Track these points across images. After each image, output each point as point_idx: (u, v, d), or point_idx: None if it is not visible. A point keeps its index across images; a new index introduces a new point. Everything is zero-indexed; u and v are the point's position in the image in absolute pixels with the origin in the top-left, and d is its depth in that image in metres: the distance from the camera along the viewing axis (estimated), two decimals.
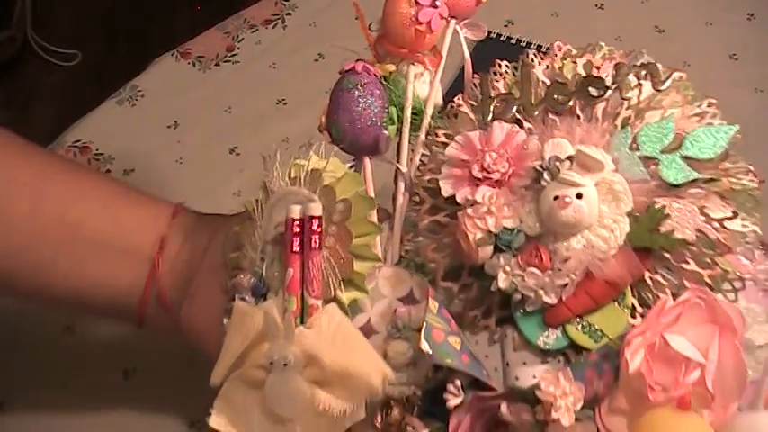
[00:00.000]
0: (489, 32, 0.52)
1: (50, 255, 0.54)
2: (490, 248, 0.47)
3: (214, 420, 0.47)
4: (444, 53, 0.53)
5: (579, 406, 0.44)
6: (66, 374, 0.72)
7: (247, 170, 0.83)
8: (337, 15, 0.95)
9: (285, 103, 0.89)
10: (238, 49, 0.93)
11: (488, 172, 0.48)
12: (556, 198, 0.46)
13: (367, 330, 0.49)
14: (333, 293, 0.48)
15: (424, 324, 0.46)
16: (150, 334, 0.69)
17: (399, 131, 0.52)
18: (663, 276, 0.47)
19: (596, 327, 0.47)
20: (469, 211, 0.47)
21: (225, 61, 0.92)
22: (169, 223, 0.56)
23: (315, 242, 0.47)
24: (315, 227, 0.47)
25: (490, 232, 0.47)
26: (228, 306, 0.51)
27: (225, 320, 0.52)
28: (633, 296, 0.47)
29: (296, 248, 0.47)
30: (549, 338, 0.47)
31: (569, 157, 0.47)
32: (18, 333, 0.75)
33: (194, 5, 1.05)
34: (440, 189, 0.49)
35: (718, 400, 0.44)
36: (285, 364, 0.45)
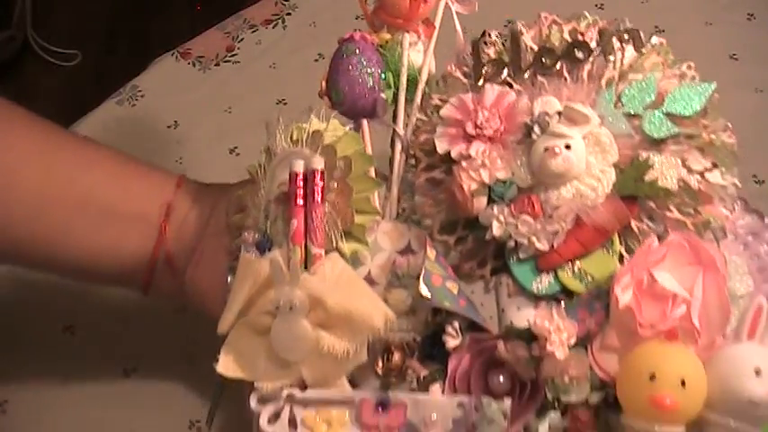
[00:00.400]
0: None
1: (62, 221, 0.56)
2: (484, 199, 0.50)
3: (222, 366, 0.49)
4: (437, 24, 0.56)
5: (573, 341, 0.46)
6: (66, 374, 0.73)
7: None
8: (337, 15, 0.95)
9: (285, 103, 0.89)
10: (238, 49, 0.93)
11: (481, 129, 0.50)
12: (546, 150, 0.49)
13: (367, 282, 0.51)
14: (335, 245, 0.50)
15: (423, 269, 0.49)
16: (150, 335, 0.72)
17: (395, 96, 0.54)
18: (648, 225, 0.50)
19: (586, 271, 0.49)
20: (464, 164, 0.50)
21: (225, 61, 0.92)
22: (174, 191, 0.58)
23: (318, 195, 0.49)
24: (317, 180, 0.49)
25: (484, 184, 0.49)
26: (233, 265, 0.53)
27: (229, 278, 0.54)
28: (620, 243, 0.50)
29: (299, 201, 0.50)
30: (542, 284, 0.49)
31: (558, 113, 0.50)
32: (18, 333, 0.75)
33: (194, 5, 1.04)
34: (435, 148, 0.52)
35: (704, 334, 0.47)
36: (290, 308, 0.47)
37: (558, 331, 0.46)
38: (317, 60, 0.92)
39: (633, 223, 0.50)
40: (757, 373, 0.45)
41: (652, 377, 0.44)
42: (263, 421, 0.47)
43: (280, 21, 0.96)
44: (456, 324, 0.48)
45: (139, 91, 0.93)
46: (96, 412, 0.71)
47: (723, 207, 0.51)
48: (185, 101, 0.92)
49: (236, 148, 0.87)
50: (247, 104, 0.91)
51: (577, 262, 0.49)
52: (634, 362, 0.45)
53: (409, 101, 0.54)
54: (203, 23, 0.94)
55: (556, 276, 0.49)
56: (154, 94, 0.93)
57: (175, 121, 0.90)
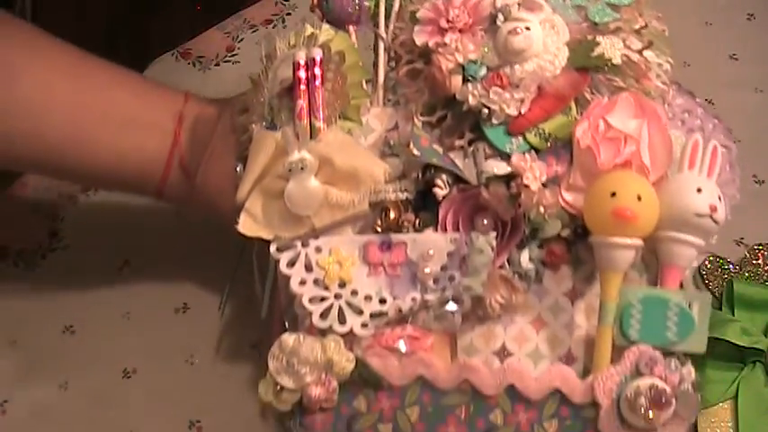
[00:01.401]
0: None
1: (89, 129, 0.64)
2: (460, 78, 0.58)
3: (242, 226, 0.56)
4: None
5: (544, 178, 0.54)
6: (67, 374, 0.74)
7: None
8: None
9: None
10: (238, 49, 0.92)
11: (453, 23, 0.59)
12: (509, 32, 0.58)
13: None
14: (334, 122, 0.58)
15: (412, 134, 0.57)
16: (150, 335, 0.74)
17: (377, 4, 0.63)
18: (597, 95, 0.59)
19: (549, 133, 0.57)
20: (440, 50, 0.58)
21: (225, 61, 0.91)
22: (184, 103, 0.65)
23: (318, 79, 0.57)
24: (317, 66, 0.57)
25: (459, 64, 0.58)
26: (241, 160, 0.61)
27: (238, 168, 0.61)
28: (577, 109, 0.58)
29: (302, 86, 0.57)
30: (513, 145, 0.57)
31: (517, 3, 0.59)
32: (18, 333, 0.77)
33: (194, 5, 1.03)
34: (414, 45, 0.60)
35: (653, 170, 0.55)
36: (302, 168, 0.55)
37: (532, 169, 0.54)
38: None
39: (586, 92, 0.58)
40: (699, 191, 0.53)
41: (613, 194, 0.52)
42: (282, 266, 0.54)
43: (280, 21, 0.95)
44: (444, 177, 0.56)
45: None
46: (96, 412, 0.72)
47: (660, 82, 0.61)
48: None
49: None
50: None
51: (542, 125, 0.57)
52: (597, 186, 0.53)
53: (389, 9, 0.63)
54: (203, 23, 0.93)
55: (524, 138, 0.57)
56: None
57: None
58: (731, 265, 0.70)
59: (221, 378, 0.71)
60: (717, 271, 0.70)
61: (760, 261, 0.71)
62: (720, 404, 0.64)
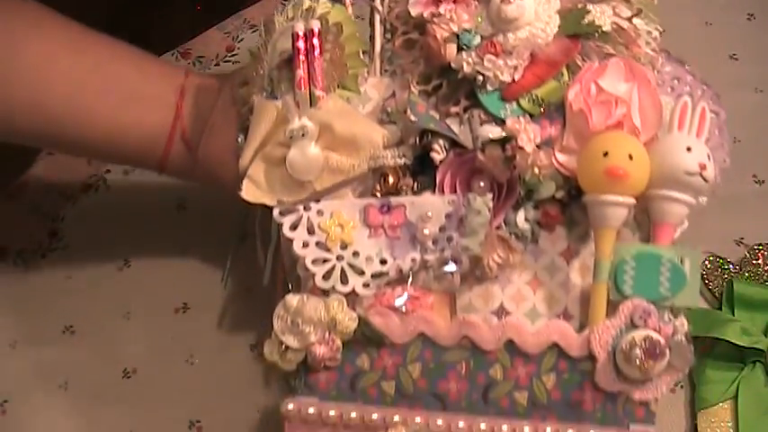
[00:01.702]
0: None
1: (91, 102, 0.65)
2: (455, 47, 0.59)
3: (245, 193, 0.57)
4: None
5: (538, 140, 0.56)
6: (67, 374, 0.74)
7: None
8: None
9: None
10: (238, 49, 0.91)
11: None
12: (502, 0, 0.59)
13: None
14: (333, 91, 0.59)
15: (409, 101, 0.58)
16: (150, 335, 0.74)
17: None
18: (589, 60, 0.60)
19: (542, 98, 0.59)
20: (435, 20, 0.60)
21: (225, 61, 0.91)
22: (185, 77, 0.67)
23: (317, 49, 0.59)
24: (316, 36, 0.59)
25: (453, 33, 0.59)
26: (242, 131, 0.62)
27: (240, 138, 0.62)
28: (568, 75, 0.60)
29: (301, 56, 0.59)
30: (508, 110, 0.59)
31: None
32: (18, 333, 0.77)
33: (194, 5, 1.02)
34: (409, 17, 0.62)
35: (643, 132, 0.57)
36: (303, 135, 0.56)
37: (526, 131, 0.56)
38: None
39: (577, 58, 0.60)
40: (688, 150, 0.55)
41: (605, 154, 0.54)
42: (285, 229, 0.56)
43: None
44: (441, 142, 0.58)
45: None
46: (96, 412, 0.72)
47: (649, 50, 0.62)
48: None
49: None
50: None
51: (535, 91, 0.59)
52: (590, 147, 0.55)
53: None
54: (203, 23, 0.93)
55: (518, 104, 0.59)
56: None
57: None
58: (731, 265, 0.70)
59: (221, 378, 0.72)
60: (717, 271, 0.70)
61: (760, 261, 0.71)
62: (720, 404, 0.65)
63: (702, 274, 0.69)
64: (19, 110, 0.64)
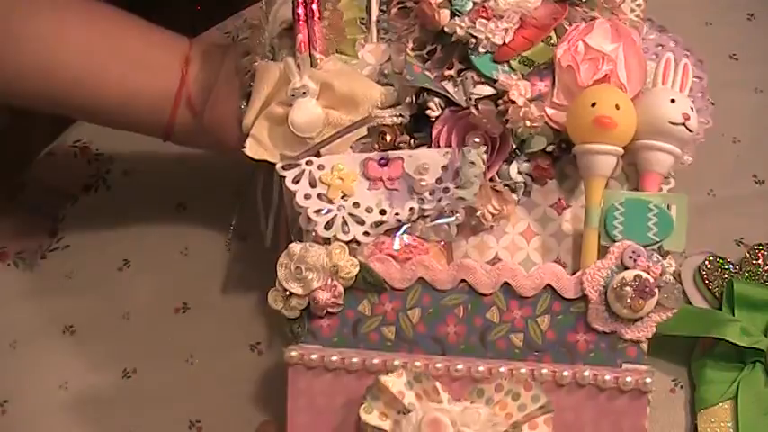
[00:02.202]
0: None
1: (101, 67, 0.67)
2: (448, 12, 0.62)
3: (249, 150, 0.60)
4: None
5: (529, 95, 0.58)
6: (67, 374, 0.74)
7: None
8: None
9: None
10: None
11: None
12: None
13: None
14: (332, 55, 0.62)
15: (405, 62, 0.61)
16: (150, 335, 0.75)
17: None
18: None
19: (532, 60, 0.61)
20: None
21: None
22: (189, 46, 0.69)
23: (317, 14, 0.61)
24: (315, 2, 0.61)
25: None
26: (244, 96, 0.65)
27: (243, 105, 0.65)
28: (556, 38, 0.63)
29: (301, 21, 0.61)
30: (500, 72, 0.61)
31: None
32: (18, 333, 0.77)
33: (194, 5, 1.06)
34: None
35: (629, 87, 0.59)
36: (304, 93, 0.59)
37: (517, 86, 0.58)
38: None
39: (564, 22, 0.63)
40: (672, 101, 0.58)
41: (593, 105, 0.56)
42: (288, 182, 0.58)
43: None
44: (436, 100, 0.60)
45: None
46: (96, 412, 0.72)
47: (634, 16, 0.65)
48: None
49: None
50: None
51: (525, 53, 0.61)
52: (579, 99, 0.57)
53: None
54: (203, 23, 0.93)
55: (509, 66, 0.61)
56: None
57: None
58: (731, 265, 0.70)
59: (221, 378, 0.72)
60: (717, 271, 0.70)
61: (760, 261, 0.70)
62: (720, 404, 0.65)
63: (702, 275, 0.70)
64: (30, 74, 0.66)
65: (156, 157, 0.83)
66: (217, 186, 0.81)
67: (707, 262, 0.70)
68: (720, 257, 0.70)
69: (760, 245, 0.71)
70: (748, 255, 0.71)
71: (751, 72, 0.85)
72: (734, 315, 0.67)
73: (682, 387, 0.67)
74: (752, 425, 0.64)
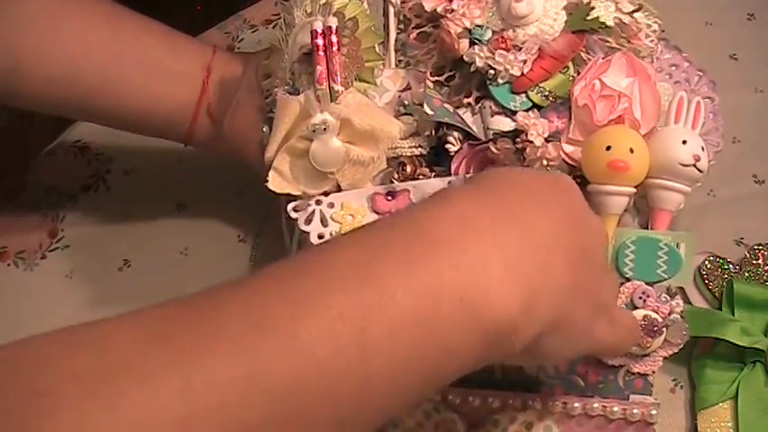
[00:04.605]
0: None
1: (124, 74, 0.68)
2: (467, 42, 0.63)
3: (271, 184, 0.61)
4: None
5: (546, 134, 0.60)
6: None
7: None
8: None
9: None
10: (238, 49, 0.92)
11: None
12: None
13: None
14: (351, 85, 0.63)
15: (425, 95, 0.62)
16: None
17: None
18: (592, 54, 0.64)
19: (549, 90, 0.63)
20: (449, 15, 0.63)
21: None
22: (212, 56, 0.70)
23: (335, 45, 0.62)
24: (333, 33, 0.62)
25: (466, 28, 0.63)
26: (266, 120, 0.66)
27: (264, 129, 0.66)
28: (574, 68, 0.64)
29: (320, 52, 0.62)
30: (517, 102, 0.63)
31: None
32: (18, 333, 0.77)
33: (194, 5, 1.06)
34: (423, 10, 0.65)
35: (643, 124, 0.61)
36: (324, 129, 0.60)
37: (535, 126, 0.60)
38: None
39: (582, 53, 0.64)
40: (684, 143, 0.59)
41: (608, 148, 0.58)
42: (300, 223, 0.60)
43: (280, 21, 0.90)
44: (455, 134, 0.62)
45: None
46: None
47: (649, 42, 0.66)
48: None
49: None
50: None
51: (542, 84, 0.63)
52: (594, 141, 0.59)
53: None
54: (203, 23, 0.93)
55: (527, 96, 0.63)
56: None
57: None
58: (731, 265, 0.71)
59: None
60: (717, 271, 0.70)
61: (760, 261, 0.71)
62: (720, 404, 0.66)
63: (702, 274, 0.70)
64: (57, 82, 0.67)
65: (156, 157, 0.83)
66: (217, 186, 0.82)
67: (707, 262, 0.71)
68: (720, 257, 0.72)
69: (760, 245, 0.72)
70: (748, 255, 0.72)
71: (751, 72, 0.85)
72: (734, 315, 0.69)
73: (682, 387, 0.69)
74: (752, 425, 0.65)
